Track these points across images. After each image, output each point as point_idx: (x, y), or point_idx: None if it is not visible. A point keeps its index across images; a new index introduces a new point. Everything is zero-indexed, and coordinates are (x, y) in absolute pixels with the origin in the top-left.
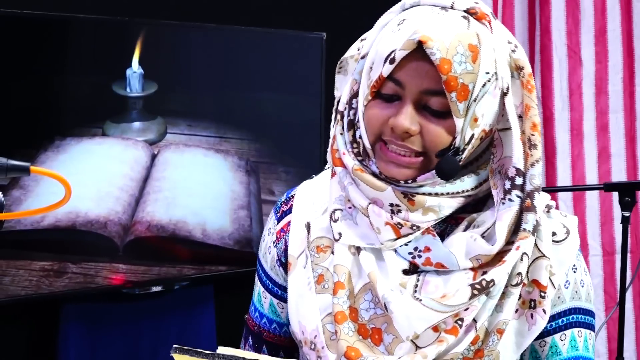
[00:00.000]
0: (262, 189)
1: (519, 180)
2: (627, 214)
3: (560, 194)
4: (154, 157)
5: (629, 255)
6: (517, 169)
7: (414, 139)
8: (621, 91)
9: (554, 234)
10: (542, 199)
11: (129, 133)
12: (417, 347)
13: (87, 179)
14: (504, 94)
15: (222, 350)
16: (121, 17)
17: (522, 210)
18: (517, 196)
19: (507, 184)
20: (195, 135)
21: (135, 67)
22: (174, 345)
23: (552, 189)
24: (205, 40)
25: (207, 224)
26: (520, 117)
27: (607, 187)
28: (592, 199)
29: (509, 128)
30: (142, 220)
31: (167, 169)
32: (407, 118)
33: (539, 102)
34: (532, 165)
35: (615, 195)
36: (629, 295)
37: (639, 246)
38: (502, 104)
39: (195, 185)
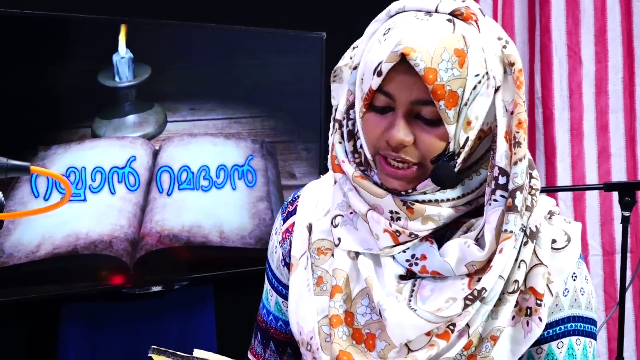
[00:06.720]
0: (282, 172)
1: (502, 180)
2: (627, 213)
3: (560, 194)
4: (155, 155)
5: (629, 255)
6: (500, 168)
7: (409, 150)
8: (621, 91)
9: (554, 241)
10: (545, 204)
11: (123, 129)
12: (410, 350)
13: (82, 193)
14: (496, 91)
15: (197, 353)
16: (99, 16)
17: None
18: (502, 196)
19: (493, 184)
20: (200, 120)
21: (122, 52)
22: (152, 346)
23: (552, 189)
24: (206, 40)
25: (224, 224)
26: (512, 113)
27: (607, 187)
28: (592, 199)
29: None
30: (152, 232)
31: (173, 167)
32: (400, 130)
33: (539, 102)
34: (515, 163)
35: (615, 195)
36: (629, 295)
37: (639, 246)
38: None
39: (205, 181)
